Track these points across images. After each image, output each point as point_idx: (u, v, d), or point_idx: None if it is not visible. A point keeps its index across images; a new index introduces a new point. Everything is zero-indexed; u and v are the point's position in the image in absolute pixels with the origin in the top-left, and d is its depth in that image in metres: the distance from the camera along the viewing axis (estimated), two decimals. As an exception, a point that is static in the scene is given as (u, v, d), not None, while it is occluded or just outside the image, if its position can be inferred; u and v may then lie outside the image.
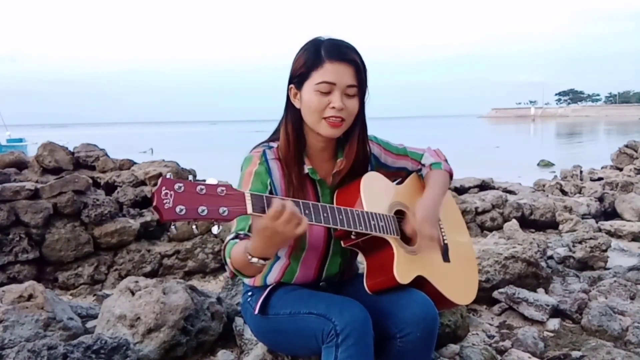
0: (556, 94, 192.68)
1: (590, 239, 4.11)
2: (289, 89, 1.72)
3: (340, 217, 1.53)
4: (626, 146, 9.96)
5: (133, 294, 2.46)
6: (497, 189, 7.32)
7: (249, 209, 1.32)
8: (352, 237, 1.64)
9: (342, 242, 1.69)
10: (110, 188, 5.06)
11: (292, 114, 1.72)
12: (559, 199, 6.58)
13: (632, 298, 3.18)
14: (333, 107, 1.63)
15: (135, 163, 5.64)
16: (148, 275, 4.23)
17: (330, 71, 1.63)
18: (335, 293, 1.71)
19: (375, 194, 1.71)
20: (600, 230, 5.41)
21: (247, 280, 1.82)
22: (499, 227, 5.47)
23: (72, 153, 5.54)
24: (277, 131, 1.78)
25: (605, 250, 4.04)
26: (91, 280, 4.27)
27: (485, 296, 3.06)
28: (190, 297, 2.45)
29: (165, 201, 1.22)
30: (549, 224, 5.88)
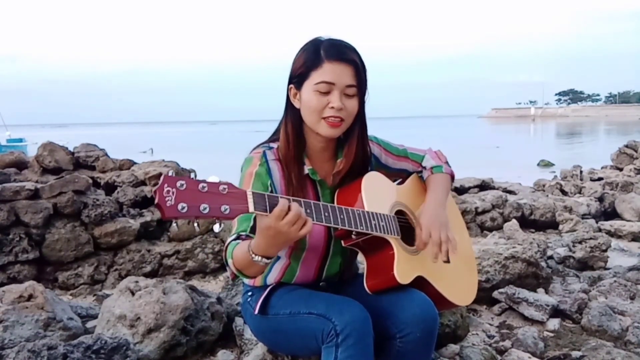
0: (556, 94, 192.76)
1: (590, 239, 4.11)
2: (288, 89, 1.72)
3: (341, 216, 1.53)
4: (626, 146, 9.97)
5: (133, 294, 2.46)
6: (497, 189, 7.33)
7: (251, 208, 1.32)
8: (353, 236, 1.64)
9: (342, 242, 1.69)
10: (110, 188, 5.06)
11: (292, 114, 1.72)
12: (559, 199, 6.59)
13: (632, 298, 3.18)
14: (332, 107, 1.63)
15: (135, 163, 5.65)
16: (148, 275, 4.24)
17: (329, 71, 1.63)
18: (335, 293, 1.71)
19: (376, 193, 1.71)
20: (600, 230, 5.41)
21: (247, 280, 1.82)
22: (499, 227, 5.48)
23: (72, 153, 5.54)
24: (277, 131, 1.78)
25: (605, 250, 4.04)
26: (91, 280, 4.27)
27: (485, 296, 3.06)
28: (190, 297, 2.45)
29: (167, 199, 1.21)
30: (549, 224, 5.88)
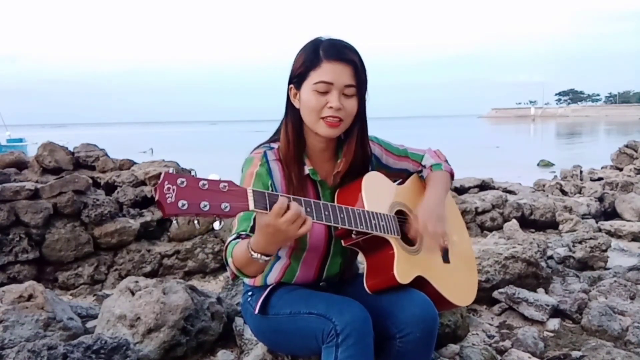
0: (556, 94, 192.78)
1: (590, 239, 4.11)
2: (289, 89, 1.72)
3: (342, 215, 1.53)
4: (626, 146, 9.97)
5: (133, 294, 2.46)
6: (497, 189, 7.32)
7: (251, 206, 1.32)
8: (353, 236, 1.64)
9: (342, 242, 1.69)
10: (110, 188, 5.06)
11: (292, 114, 1.72)
12: (559, 199, 6.59)
13: (632, 298, 3.18)
14: (330, 107, 1.63)
15: (135, 163, 5.65)
16: (148, 275, 4.24)
17: (328, 71, 1.63)
18: (336, 293, 1.71)
19: (377, 193, 1.71)
20: (600, 230, 5.41)
21: (247, 280, 1.82)
22: (499, 227, 5.47)
23: (72, 153, 5.54)
24: (278, 132, 1.78)
25: (605, 250, 4.04)
26: (91, 280, 4.27)
27: (485, 296, 3.06)
28: (190, 297, 2.45)
29: (167, 196, 1.21)
30: (549, 224, 5.88)
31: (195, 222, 1.28)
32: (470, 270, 2.00)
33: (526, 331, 2.65)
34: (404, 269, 1.64)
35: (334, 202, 1.70)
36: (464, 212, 5.56)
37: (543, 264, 3.48)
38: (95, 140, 6.45)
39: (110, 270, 4.36)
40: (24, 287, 2.58)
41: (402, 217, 1.77)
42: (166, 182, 1.22)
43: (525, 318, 2.92)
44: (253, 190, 1.33)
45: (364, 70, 1.68)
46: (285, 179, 1.69)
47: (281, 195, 1.37)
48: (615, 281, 3.30)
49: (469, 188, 7.26)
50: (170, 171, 1.25)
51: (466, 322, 2.61)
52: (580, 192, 7.36)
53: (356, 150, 1.75)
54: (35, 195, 4.17)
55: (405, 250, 1.69)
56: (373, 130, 1.84)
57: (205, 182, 1.26)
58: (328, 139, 1.72)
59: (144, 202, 4.85)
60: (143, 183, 5.07)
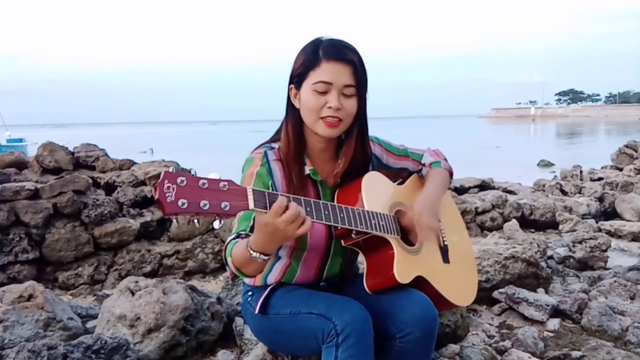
0: (556, 94, 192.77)
1: (590, 239, 4.11)
2: (289, 89, 1.72)
3: (342, 215, 1.53)
4: (626, 146, 9.97)
5: (133, 294, 2.46)
6: (497, 189, 7.33)
7: (251, 205, 1.32)
8: (353, 236, 1.64)
9: (342, 241, 1.69)
10: (110, 188, 5.06)
11: (293, 114, 1.72)
12: (559, 199, 6.59)
13: (632, 298, 3.18)
14: (329, 107, 1.63)
15: (135, 163, 5.65)
16: (148, 275, 4.24)
17: (327, 71, 1.63)
18: (336, 293, 1.71)
19: (376, 193, 1.71)
20: (600, 230, 5.41)
21: (247, 280, 1.82)
22: (499, 227, 5.47)
23: (72, 153, 5.54)
24: (278, 132, 1.78)
25: (605, 250, 4.04)
26: (91, 280, 4.27)
27: (485, 296, 3.06)
28: (190, 297, 2.45)
29: (167, 194, 1.21)
30: (549, 224, 5.88)
31: (195, 221, 1.28)
32: (470, 270, 2.00)
33: (526, 331, 2.65)
34: (403, 269, 1.64)
35: (334, 202, 1.70)
36: (464, 212, 5.56)
37: (543, 264, 3.48)
38: (95, 140, 6.45)
39: (110, 270, 4.36)
40: (24, 287, 2.57)
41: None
42: (166, 181, 1.22)
43: (525, 318, 2.92)
44: (253, 190, 1.33)
45: (364, 70, 1.68)
46: (285, 179, 1.69)
47: (281, 195, 1.37)
48: (615, 281, 3.30)
49: (469, 188, 7.26)
50: (171, 170, 1.25)
51: (466, 322, 2.61)
52: (580, 192, 7.36)
53: (356, 150, 1.75)
54: (35, 195, 4.17)
55: (405, 250, 1.69)
56: (373, 130, 1.84)
57: (205, 181, 1.26)
58: (328, 139, 1.72)
59: (144, 202, 4.85)
60: (143, 183, 5.08)
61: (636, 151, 9.67)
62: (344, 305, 1.57)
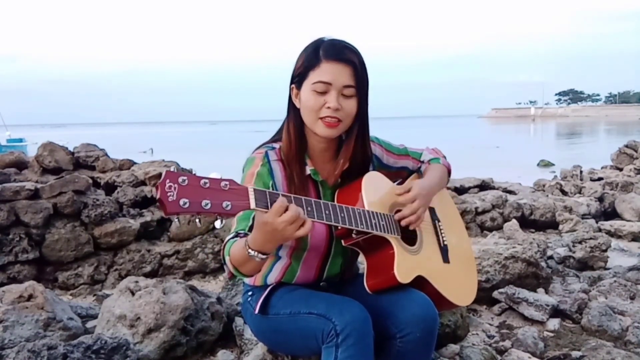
0: (556, 94, 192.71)
1: (590, 239, 4.11)
2: (290, 89, 1.72)
3: (342, 214, 1.53)
4: (626, 146, 9.97)
5: (133, 294, 2.46)
6: (497, 189, 7.32)
7: (252, 204, 1.31)
8: (353, 235, 1.64)
9: (342, 241, 1.69)
10: (110, 188, 5.06)
11: (294, 114, 1.72)
12: (559, 199, 6.59)
13: (632, 298, 3.18)
14: (328, 107, 1.63)
15: (135, 163, 5.65)
16: (148, 275, 4.24)
17: (326, 71, 1.63)
18: (336, 293, 1.71)
19: (376, 193, 1.71)
20: (600, 230, 5.41)
21: (247, 280, 1.82)
22: (499, 227, 5.47)
23: (72, 153, 5.54)
24: (279, 131, 1.78)
25: (605, 250, 4.04)
26: (91, 280, 4.27)
27: (485, 296, 3.06)
28: (190, 297, 2.45)
29: (169, 194, 1.21)
30: (549, 224, 5.88)
31: (197, 220, 1.28)
32: (470, 270, 2.00)
33: (526, 331, 2.65)
34: (404, 269, 1.64)
35: (334, 202, 1.70)
36: (464, 212, 5.56)
37: (543, 264, 3.48)
38: (95, 140, 6.45)
39: (110, 270, 4.37)
40: (24, 287, 2.57)
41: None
42: (168, 181, 1.21)
43: (525, 318, 2.92)
44: (254, 189, 1.33)
45: (365, 71, 1.68)
46: (286, 179, 1.69)
47: (282, 195, 1.37)
48: (615, 281, 3.30)
49: (469, 188, 7.26)
50: (172, 169, 1.24)
51: (466, 322, 2.61)
52: (580, 192, 7.36)
53: (355, 151, 1.75)
54: (35, 195, 4.17)
55: (406, 250, 1.69)
56: (373, 130, 1.84)
57: (207, 180, 1.26)
58: (328, 139, 1.72)
59: (144, 202, 4.85)
60: (143, 183, 5.08)
61: (636, 151, 9.67)
62: (344, 305, 1.57)
